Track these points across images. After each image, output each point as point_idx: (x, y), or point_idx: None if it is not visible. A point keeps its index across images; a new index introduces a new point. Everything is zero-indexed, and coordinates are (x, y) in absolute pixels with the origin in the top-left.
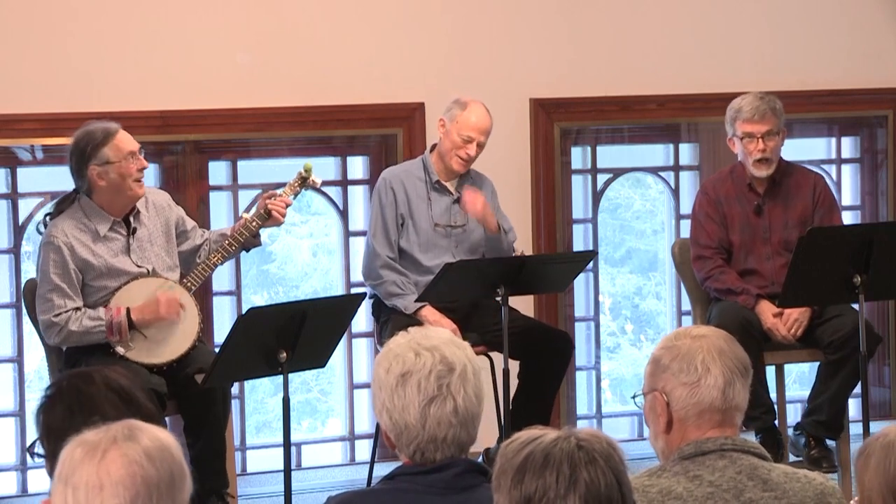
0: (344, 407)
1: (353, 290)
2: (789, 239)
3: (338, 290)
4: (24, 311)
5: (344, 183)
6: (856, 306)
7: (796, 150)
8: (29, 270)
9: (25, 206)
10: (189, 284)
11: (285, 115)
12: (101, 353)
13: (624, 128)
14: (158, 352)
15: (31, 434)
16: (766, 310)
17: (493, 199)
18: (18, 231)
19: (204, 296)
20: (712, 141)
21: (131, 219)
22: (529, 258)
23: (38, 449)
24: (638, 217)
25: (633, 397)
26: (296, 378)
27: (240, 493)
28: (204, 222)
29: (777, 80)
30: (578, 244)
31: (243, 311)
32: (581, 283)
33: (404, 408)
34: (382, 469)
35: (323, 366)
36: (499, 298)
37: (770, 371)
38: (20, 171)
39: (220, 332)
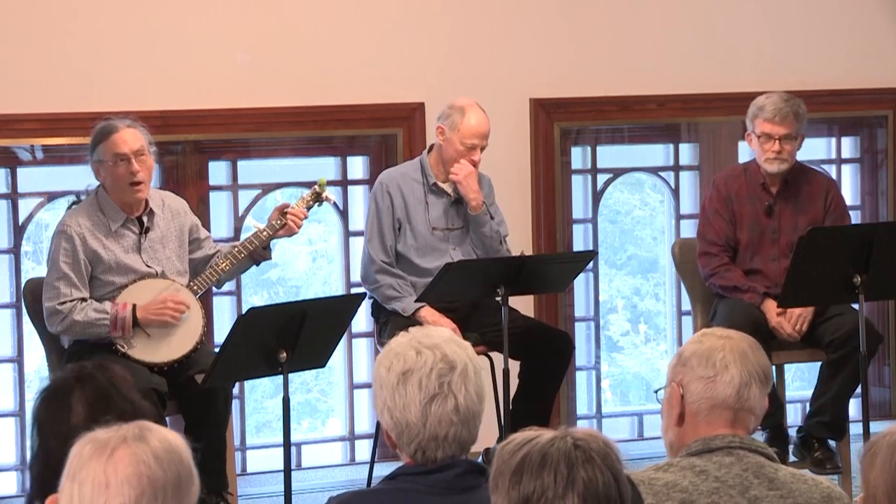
0: (344, 407)
1: (353, 291)
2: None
3: (338, 291)
4: (25, 311)
5: (344, 183)
6: (856, 306)
7: None
8: (29, 270)
9: (25, 206)
10: (195, 288)
11: (285, 115)
12: (104, 351)
13: (624, 128)
14: (160, 351)
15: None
16: (771, 308)
17: (490, 193)
18: (18, 231)
19: (204, 296)
20: (712, 141)
21: (144, 218)
22: (529, 258)
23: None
24: (638, 222)
25: (656, 391)
26: (296, 378)
27: (240, 493)
28: (204, 222)
29: (777, 80)
30: (578, 244)
31: (243, 311)
32: (581, 283)
33: (405, 406)
34: (382, 469)
35: (323, 366)
36: (499, 298)
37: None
38: (20, 171)
39: (220, 332)
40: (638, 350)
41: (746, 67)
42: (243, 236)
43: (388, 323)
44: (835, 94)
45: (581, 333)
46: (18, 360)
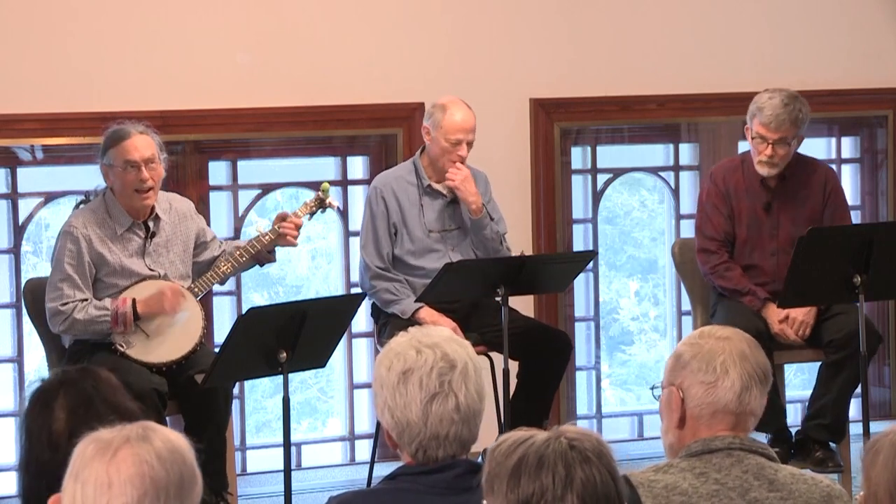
0: (344, 407)
1: (353, 290)
2: (797, 236)
3: (337, 290)
4: (25, 310)
5: (344, 183)
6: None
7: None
8: (29, 269)
9: (25, 206)
10: (196, 290)
11: (285, 115)
12: (104, 351)
13: (624, 128)
14: (160, 351)
15: None
16: (773, 314)
17: (487, 190)
18: (18, 231)
19: (204, 296)
20: (712, 141)
21: (150, 223)
22: (529, 258)
23: None
24: (637, 224)
25: (652, 388)
26: (296, 378)
27: (240, 493)
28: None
29: (777, 80)
30: (578, 244)
31: (243, 311)
32: (581, 283)
33: (406, 405)
34: (382, 469)
35: (323, 366)
36: (499, 298)
37: None
38: (20, 171)
39: (220, 332)
40: (644, 343)
41: (746, 67)
42: (243, 236)
43: (388, 323)
44: (835, 94)
45: (581, 333)
46: (18, 360)
